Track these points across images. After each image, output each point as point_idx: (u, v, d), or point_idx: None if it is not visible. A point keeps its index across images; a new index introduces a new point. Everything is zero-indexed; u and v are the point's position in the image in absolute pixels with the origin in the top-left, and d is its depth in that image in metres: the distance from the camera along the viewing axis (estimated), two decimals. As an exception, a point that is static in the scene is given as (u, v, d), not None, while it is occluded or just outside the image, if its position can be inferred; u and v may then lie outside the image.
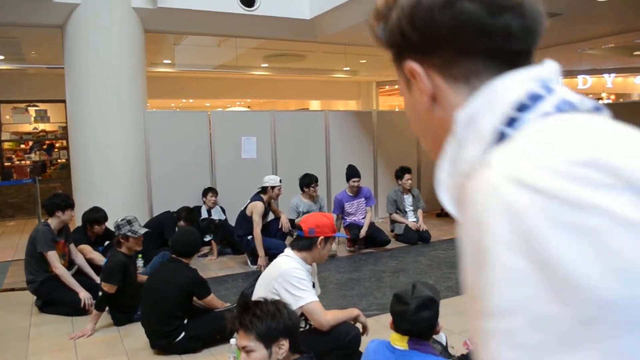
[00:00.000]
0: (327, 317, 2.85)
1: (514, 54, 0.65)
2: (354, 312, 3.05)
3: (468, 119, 0.62)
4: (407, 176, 7.02)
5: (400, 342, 2.16)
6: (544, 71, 0.64)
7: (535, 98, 0.59)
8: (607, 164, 0.48)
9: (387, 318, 3.98)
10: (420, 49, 0.66)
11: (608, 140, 0.53)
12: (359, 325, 3.06)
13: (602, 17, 7.46)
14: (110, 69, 6.34)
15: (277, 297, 2.69)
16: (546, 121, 0.57)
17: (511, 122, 0.59)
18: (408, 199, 7.11)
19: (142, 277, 4.40)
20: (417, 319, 2.08)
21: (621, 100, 18.84)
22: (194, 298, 3.70)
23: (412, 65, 0.67)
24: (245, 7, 6.79)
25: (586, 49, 11.08)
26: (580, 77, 17.01)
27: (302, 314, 2.81)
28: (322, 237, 2.94)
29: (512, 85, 0.62)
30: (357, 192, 6.65)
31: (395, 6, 0.66)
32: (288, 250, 3.00)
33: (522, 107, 0.59)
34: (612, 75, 17.00)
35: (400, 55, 0.69)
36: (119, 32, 6.40)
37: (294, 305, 2.62)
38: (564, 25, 7.73)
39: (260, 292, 2.87)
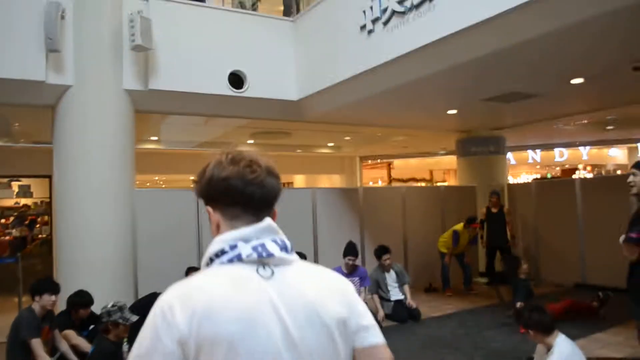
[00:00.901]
0: None
1: (257, 207, 1.27)
2: None
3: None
4: (385, 256, 7.05)
5: None
6: (252, 231, 1.24)
7: (220, 253, 1.23)
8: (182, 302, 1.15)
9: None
10: (212, 200, 1.30)
11: (206, 291, 1.16)
12: None
13: (575, 98, 7.81)
14: (100, 148, 6.38)
15: None
16: (210, 269, 1.24)
17: (209, 262, 1.25)
18: (390, 277, 7.08)
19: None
20: None
21: (595, 171, 19.36)
22: None
23: (208, 208, 1.31)
24: (234, 90, 6.98)
25: (561, 125, 11.48)
26: (557, 150, 17.53)
27: None
28: None
29: (216, 242, 1.25)
30: (352, 270, 6.63)
31: (203, 177, 1.30)
32: None
33: (216, 255, 1.24)
34: (587, 147, 17.54)
35: (206, 202, 1.31)
36: (110, 113, 6.48)
37: None
38: (540, 104, 8.07)
39: None
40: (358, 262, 6.81)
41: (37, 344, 4.25)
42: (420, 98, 7.39)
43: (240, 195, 1.24)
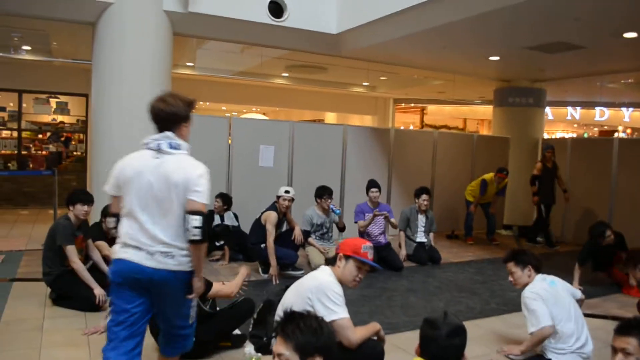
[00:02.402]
0: (357, 335, 2.88)
1: (160, 125, 2.56)
2: (375, 326, 3.12)
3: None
4: (424, 196, 7.01)
5: None
6: (166, 135, 2.53)
7: (145, 144, 2.53)
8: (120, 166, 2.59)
9: (398, 338, 4.01)
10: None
11: (127, 159, 2.58)
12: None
13: (624, 53, 7.48)
14: (137, 69, 6.43)
15: (309, 308, 2.73)
16: (137, 151, 2.58)
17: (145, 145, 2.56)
18: (422, 220, 7.10)
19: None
20: (448, 345, 2.09)
21: (636, 134, 18.81)
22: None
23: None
24: (273, 18, 6.87)
25: (606, 82, 11.11)
26: (598, 109, 17.02)
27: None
28: (341, 254, 2.99)
29: (145, 139, 2.56)
30: (376, 205, 6.68)
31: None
32: (325, 267, 3.07)
33: (144, 144, 2.54)
34: (630, 109, 16.98)
35: None
36: (149, 33, 6.49)
37: (327, 317, 2.64)
38: (587, 58, 7.79)
39: (290, 299, 2.92)
40: (382, 199, 6.84)
41: (71, 250, 4.44)
42: (464, 40, 7.18)
43: (153, 118, 2.57)
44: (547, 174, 8.58)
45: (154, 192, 2.46)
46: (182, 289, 2.56)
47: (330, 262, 3.08)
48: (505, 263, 3.77)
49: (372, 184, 6.72)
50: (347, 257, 2.98)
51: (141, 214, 2.48)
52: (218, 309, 3.80)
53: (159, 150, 2.49)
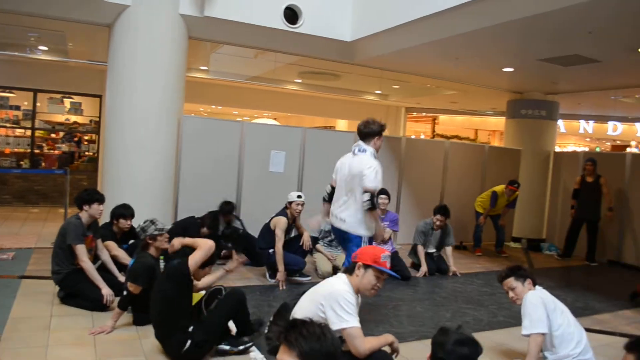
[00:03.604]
0: (366, 346, 2.85)
1: (360, 137, 4.42)
2: (388, 338, 3.07)
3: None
4: (437, 216, 6.87)
5: None
6: (359, 143, 4.37)
7: (354, 148, 4.43)
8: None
9: (404, 348, 3.98)
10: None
11: (343, 159, 4.63)
12: (387, 349, 3.08)
13: (639, 68, 7.43)
14: (152, 71, 6.48)
15: (321, 314, 2.73)
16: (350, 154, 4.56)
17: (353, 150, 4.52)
18: (436, 235, 7.00)
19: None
20: (453, 351, 2.10)
21: (649, 150, 18.63)
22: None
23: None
24: (288, 24, 6.90)
25: (620, 96, 11.03)
26: (611, 123, 16.90)
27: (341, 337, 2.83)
28: (360, 262, 2.98)
29: (356, 144, 4.42)
30: (384, 213, 6.64)
31: None
32: (342, 275, 3.06)
33: (353, 150, 4.44)
34: (644, 124, 16.86)
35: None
36: (165, 37, 6.54)
37: (337, 325, 2.65)
38: (601, 72, 7.75)
39: (304, 304, 2.93)
40: (392, 208, 6.79)
41: (81, 249, 4.47)
42: (478, 51, 7.16)
43: (358, 133, 4.42)
44: (586, 187, 8.36)
45: (345, 179, 4.30)
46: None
47: (348, 270, 3.06)
48: (503, 281, 3.74)
49: (381, 191, 6.69)
50: (366, 267, 2.96)
51: (339, 192, 4.41)
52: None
53: (353, 153, 4.32)
